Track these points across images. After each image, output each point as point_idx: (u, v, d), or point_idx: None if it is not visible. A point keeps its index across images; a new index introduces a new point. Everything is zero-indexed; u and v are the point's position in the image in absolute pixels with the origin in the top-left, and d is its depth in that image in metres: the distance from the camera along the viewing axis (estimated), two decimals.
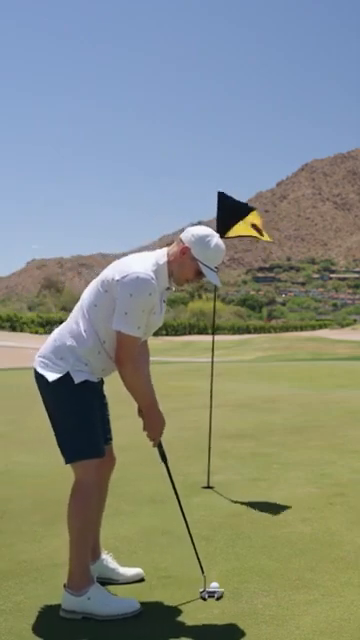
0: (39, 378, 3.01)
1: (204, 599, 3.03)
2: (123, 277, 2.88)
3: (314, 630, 2.71)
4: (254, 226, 5.07)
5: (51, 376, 2.94)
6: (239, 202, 5.10)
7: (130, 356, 2.92)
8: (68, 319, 3.09)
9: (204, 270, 2.99)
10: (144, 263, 2.94)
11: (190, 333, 74.00)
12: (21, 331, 56.46)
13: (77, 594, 2.90)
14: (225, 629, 2.76)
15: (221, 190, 5.05)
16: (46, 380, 2.96)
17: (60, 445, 3.01)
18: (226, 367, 18.00)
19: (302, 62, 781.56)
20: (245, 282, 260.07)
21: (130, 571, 3.29)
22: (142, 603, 2.96)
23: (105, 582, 3.17)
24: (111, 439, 3.23)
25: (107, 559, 3.29)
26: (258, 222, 5.10)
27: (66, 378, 2.93)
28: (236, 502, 4.55)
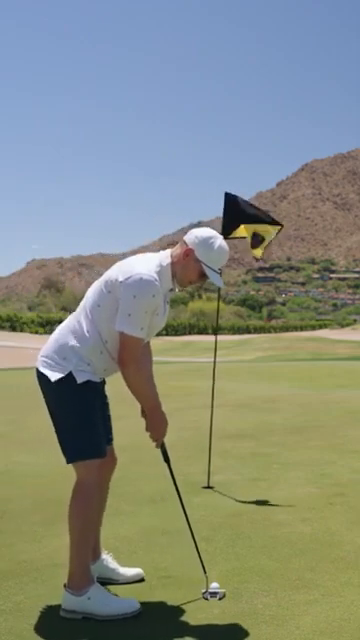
0: (41, 377, 3.01)
1: (206, 599, 3.03)
2: (127, 278, 2.88)
3: (314, 630, 2.71)
4: (256, 235, 4.90)
5: (53, 376, 2.95)
6: (260, 210, 4.93)
7: (133, 357, 2.92)
8: (71, 318, 3.09)
9: (207, 272, 2.99)
10: (148, 264, 2.94)
11: (190, 333, 73.96)
12: (21, 331, 56.49)
13: (77, 594, 2.91)
14: (225, 629, 2.76)
15: (227, 191, 4.91)
16: (48, 380, 2.96)
17: (61, 445, 3.01)
18: (226, 367, 17.99)
19: (302, 62, 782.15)
20: (245, 282, 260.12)
21: (130, 571, 3.29)
22: (142, 603, 2.96)
23: (105, 582, 3.17)
24: (112, 439, 3.23)
25: (107, 559, 3.29)
26: (267, 235, 4.87)
27: (68, 378, 2.93)
28: (236, 502, 4.55)
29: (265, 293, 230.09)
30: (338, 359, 29.61)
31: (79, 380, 2.93)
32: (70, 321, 3.08)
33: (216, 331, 5.43)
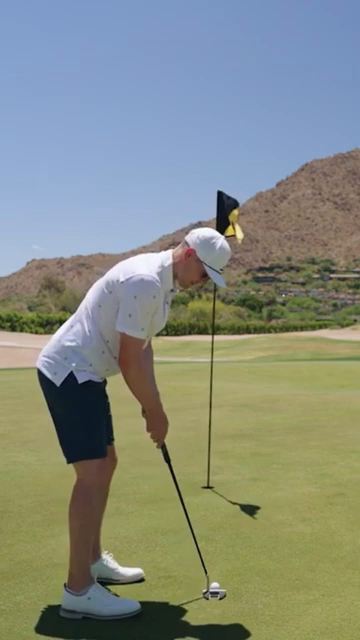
0: (42, 377, 3.01)
1: (207, 599, 3.03)
2: (128, 279, 2.88)
3: (314, 630, 2.71)
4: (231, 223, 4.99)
5: (55, 376, 2.95)
6: (229, 199, 5.01)
7: (134, 358, 2.92)
8: (72, 318, 3.09)
9: (209, 272, 2.98)
10: (149, 265, 2.94)
11: (190, 333, 73.99)
12: (21, 331, 56.44)
13: (77, 594, 2.91)
14: (225, 629, 2.76)
15: (220, 190, 5.02)
16: (49, 380, 2.96)
17: (62, 445, 3.01)
18: (226, 367, 18.00)
19: (302, 62, 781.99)
20: (245, 282, 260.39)
21: (130, 571, 3.29)
22: (142, 603, 2.96)
23: (105, 582, 3.17)
24: (114, 439, 3.23)
25: (107, 559, 3.29)
26: (234, 218, 5.01)
27: (70, 378, 2.93)
28: (236, 502, 4.55)
29: (265, 293, 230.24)
30: (338, 359, 29.60)
31: (80, 380, 2.93)
32: (71, 321, 3.07)
33: (213, 331, 5.42)
